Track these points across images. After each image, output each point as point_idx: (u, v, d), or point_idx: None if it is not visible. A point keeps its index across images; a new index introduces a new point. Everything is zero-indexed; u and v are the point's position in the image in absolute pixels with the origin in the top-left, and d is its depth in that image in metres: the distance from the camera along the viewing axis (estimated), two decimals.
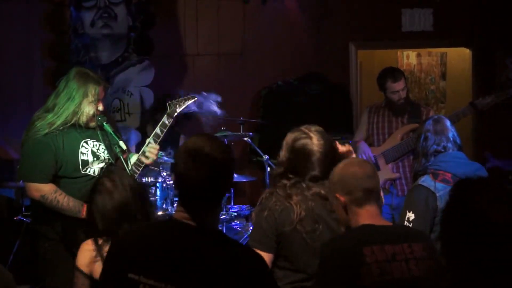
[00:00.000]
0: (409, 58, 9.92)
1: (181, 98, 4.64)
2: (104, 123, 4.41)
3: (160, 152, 6.03)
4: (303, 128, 3.60)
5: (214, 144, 2.40)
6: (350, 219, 3.05)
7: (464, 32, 7.76)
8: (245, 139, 6.31)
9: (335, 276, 2.82)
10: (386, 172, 5.80)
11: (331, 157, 3.56)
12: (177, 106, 4.61)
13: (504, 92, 5.71)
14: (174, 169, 2.46)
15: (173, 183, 2.45)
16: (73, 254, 4.31)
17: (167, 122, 4.55)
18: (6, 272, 2.88)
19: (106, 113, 4.62)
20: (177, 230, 2.39)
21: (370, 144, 6.10)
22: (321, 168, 3.50)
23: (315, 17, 7.76)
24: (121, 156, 4.37)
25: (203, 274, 2.28)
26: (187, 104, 4.67)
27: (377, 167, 5.93)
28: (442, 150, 4.06)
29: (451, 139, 4.10)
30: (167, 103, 4.62)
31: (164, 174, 5.88)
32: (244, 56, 7.75)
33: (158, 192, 5.80)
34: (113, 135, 4.39)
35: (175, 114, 4.61)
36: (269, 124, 7.19)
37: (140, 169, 4.53)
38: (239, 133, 6.45)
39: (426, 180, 3.95)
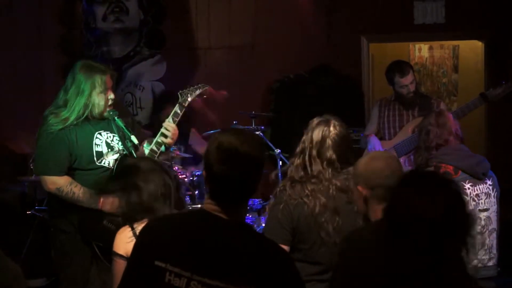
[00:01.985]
0: (421, 51, 9.87)
1: (192, 87, 4.64)
2: (116, 117, 4.42)
3: (172, 147, 6.07)
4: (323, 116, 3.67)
5: (248, 142, 2.37)
6: (368, 212, 3.05)
7: (476, 24, 7.72)
8: (256, 133, 6.31)
9: (355, 270, 2.83)
10: None
11: (347, 142, 3.61)
12: (188, 95, 4.61)
13: None
14: (204, 166, 2.42)
15: (203, 179, 2.50)
16: (90, 246, 4.35)
17: (179, 111, 4.55)
18: (14, 265, 2.89)
19: (120, 104, 4.62)
20: (206, 221, 2.39)
21: (381, 138, 6.08)
22: (336, 151, 3.53)
23: (326, 10, 7.74)
24: (133, 151, 4.38)
25: (229, 265, 2.29)
26: (198, 92, 4.67)
27: None
28: (444, 143, 4.06)
29: (453, 132, 4.09)
30: (178, 93, 4.61)
31: (176, 168, 5.88)
32: (255, 49, 7.75)
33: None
34: (125, 129, 4.40)
35: (187, 103, 4.61)
36: (281, 118, 7.18)
37: (158, 152, 4.51)
38: (251, 126, 6.44)
39: None
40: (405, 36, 8.15)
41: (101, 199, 4.33)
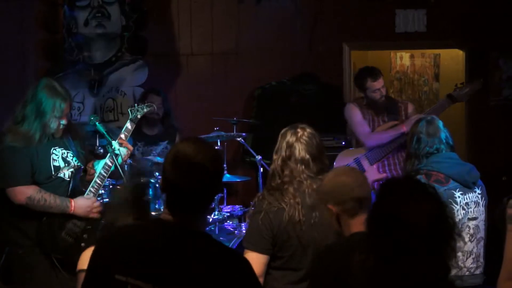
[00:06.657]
0: (402, 59, 9.93)
1: (141, 105, 4.82)
2: (97, 122, 4.50)
3: (153, 152, 6.07)
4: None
5: (204, 152, 2.38)
6: (342, 229, 3.05)
7: (457, 33, 7.77)
8: (238, 139, 6.31)
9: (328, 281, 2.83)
10: (372, 173, 5.79)
11: (319, 145, 3.65)
12: (138, 112, 4.75)
13: (478, 81, 5.73)
14: (162, 173, 2.45)
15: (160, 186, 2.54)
16: (49, 258, 4.33)
17: (130, 127, 4.68)
18: None
19: (71, 126, 4.68)
20: (164, 231, 2.38)
21: (350, 143, 6.03)
22: (308, 152, 3.56)
23: (309, 17, 7.76)
24: (114, 157, 4.43)
25: (190, 276, 2.28)
26: (146, 110, 4.87)
27: (361, 168, 5.91)
28: (435, 151, 4.07)
29: (444, 140, 4.11)
30: (129, 109, 4.79)
31: (157, 174, 5.88)
32: (238, 56, 7.75)
33: (150, 192, 5.80)
34: (106, 135, 4.47)
35: (137, 120, 4.77)
36: (262, 124, 7.18)
37: (110, 170, 4.57)
38: (232, 133, 6.44)
39: None
40: (386, 44, 8.19)
41: (73, 203, 4.35)
